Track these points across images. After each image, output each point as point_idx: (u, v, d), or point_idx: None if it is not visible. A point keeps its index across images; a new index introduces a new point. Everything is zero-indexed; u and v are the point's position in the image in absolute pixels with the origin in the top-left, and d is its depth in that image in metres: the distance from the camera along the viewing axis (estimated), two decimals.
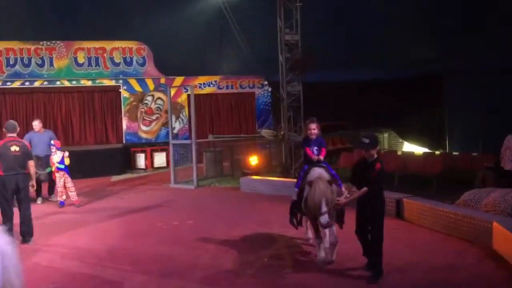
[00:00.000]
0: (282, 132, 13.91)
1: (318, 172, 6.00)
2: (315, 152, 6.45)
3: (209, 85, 18.97)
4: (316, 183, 5.72)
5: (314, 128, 6.50)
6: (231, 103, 19.35)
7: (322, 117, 17.70)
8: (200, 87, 18.58)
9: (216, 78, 19.03)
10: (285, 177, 12.48)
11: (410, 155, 14.09)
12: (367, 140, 5.43)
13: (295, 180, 12.24)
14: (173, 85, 17.66)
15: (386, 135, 19.18)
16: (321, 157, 6.39)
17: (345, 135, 17.63)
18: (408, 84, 17.67)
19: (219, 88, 19.11)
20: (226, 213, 9.59)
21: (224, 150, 14.96)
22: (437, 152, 15.35)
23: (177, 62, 17.89)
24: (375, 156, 5.46)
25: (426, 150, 16.92)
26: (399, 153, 15.04)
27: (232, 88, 19.24)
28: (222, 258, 6.54)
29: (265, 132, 17.11)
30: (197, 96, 16.97)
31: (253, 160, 13.78)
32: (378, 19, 15.85)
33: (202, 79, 18.79)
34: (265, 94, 19.41)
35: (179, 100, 18.37)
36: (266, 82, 19.17)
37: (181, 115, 18.50)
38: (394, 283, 5.45)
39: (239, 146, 14.98)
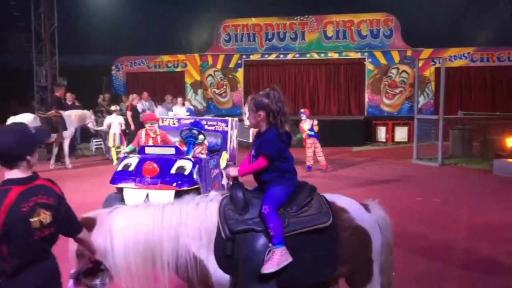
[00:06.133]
0: None
1: None
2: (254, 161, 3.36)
3: (460, 58, 17.57)
4: None
5: (249, 112, 3.37)
6: (485, 77, 17.55)
7: None
8: (450, 59, 17.33)
9: (470, 50, 17.47)
10: None
11: None
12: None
13: None
14: (421, 57, 16.88)
15: None
16: (235, 173, 3.28)
17: None
18: None
19: (472, 61, 17.51)
20: (476, 196, 8.82)
21: (474, 129, 13.73)
22: None
23: (426, 33, 17.01)
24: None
25: None
26: None
27: (488, 61, 17.40)
28: (476, 243, 6.07)
29: None
30: (446, 69, 15.86)
31: (510, 141, 12.27)
32: None
33: (453, 51, 17.50)
34: None
35: (426, 73, 17.52)
36: None
37: (426, 90, 17.65)
38: None
39: (493, 125, 13.50)
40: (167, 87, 19.14)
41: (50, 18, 16.34)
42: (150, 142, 7.34)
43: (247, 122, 12.11)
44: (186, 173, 6.43)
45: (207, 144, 7.64)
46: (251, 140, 11.30)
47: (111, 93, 18.21)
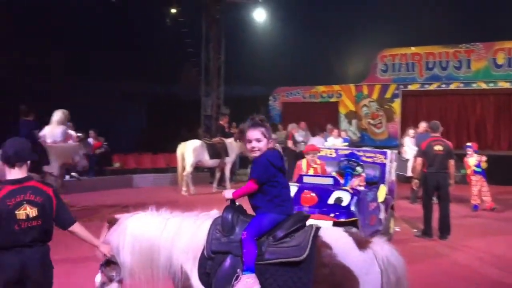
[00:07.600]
0: None
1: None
2: None
3: None
4: None
5: (257, 138, 3.41)
6: None
7: None
8: None
9: None
10: None
11: None
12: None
13: None
14: None
15: None
16: (229, 195, 3.40)
17: None
18: None
19: None
20: None
21: None
22: None
23: None
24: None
25: None
26: None
27: None
28: None
29: None
30: None
31: None
32: None
33: None
34: None
35: None
36: None
37: None
38: None
39: None
40: (321, 117, 19.32)
41: (218, 53, 17.79)
42: (311, 173, 7.39)
43: (406, 155, 11.63)
44: (344, 204, 6.35)
45: (365, 176, 7.47)
46: (409, 173, 10.79)
47: (269, 122, 18.98)
